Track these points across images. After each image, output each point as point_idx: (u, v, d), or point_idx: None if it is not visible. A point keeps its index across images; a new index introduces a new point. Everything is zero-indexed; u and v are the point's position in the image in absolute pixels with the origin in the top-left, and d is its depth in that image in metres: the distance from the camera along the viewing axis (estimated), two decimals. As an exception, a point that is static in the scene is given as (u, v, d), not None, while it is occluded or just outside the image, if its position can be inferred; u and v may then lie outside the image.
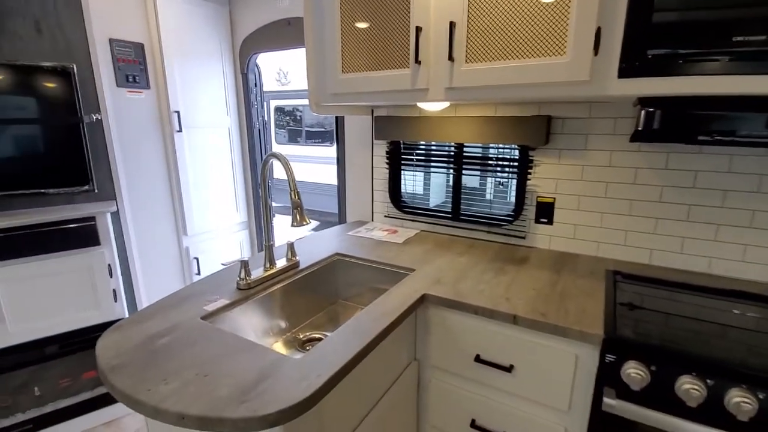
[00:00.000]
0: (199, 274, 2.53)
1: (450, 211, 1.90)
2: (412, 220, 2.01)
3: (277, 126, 6.90)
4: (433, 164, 1.93)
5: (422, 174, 2.15)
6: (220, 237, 2.64)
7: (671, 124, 1.10)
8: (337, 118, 2.14)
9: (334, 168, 2.25)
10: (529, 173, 1.65)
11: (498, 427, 1.26)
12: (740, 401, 0.86)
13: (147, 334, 1.01)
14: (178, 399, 0.77)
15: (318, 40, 1.55)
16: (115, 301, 2.03)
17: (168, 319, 1.08)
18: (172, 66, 2.20)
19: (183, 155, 2.33)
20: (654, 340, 0.99)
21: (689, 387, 0.90)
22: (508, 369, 1.17)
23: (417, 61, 1.32)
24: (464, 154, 1.81)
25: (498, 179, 2.05)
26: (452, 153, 1.84)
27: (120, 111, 2.08)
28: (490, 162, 1.78)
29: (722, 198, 1.34)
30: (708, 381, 0.90)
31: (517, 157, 1.68)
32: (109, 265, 1.99)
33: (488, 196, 2.02)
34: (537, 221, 1.67)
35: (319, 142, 6.56)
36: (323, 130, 6.50)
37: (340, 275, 1.63)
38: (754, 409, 0.85)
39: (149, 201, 2.27)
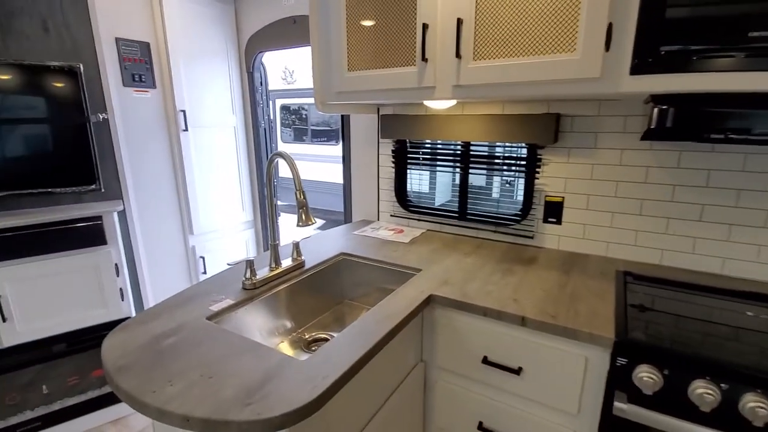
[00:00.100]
0: (205, 273, 2.54)
1: (457, 210, 1.88)
2: (419, 220, 2.00)
3: (282, 125, 6.91)
4: (439, 163, 1.91)
5: (428, 173, 2.13)
6: (225, 236, 2.65)
7: (684, 122, 1.08)
8: (342, 116, 2.13)
9: (340, 167, 2.24)
10: (538, 172, 1.63)
11: (505, 430, 1.24)
12: (755, 406, 0.84)
13: (153, 334, 1.00)
14: (183, 401, 0.76)
15: (324, 38, 1.54)
16: (122, 299, 2.04)
17: (174, 319, 1.08)
18: (178, 65, 2.20)
19: (189, 154, 2.33)
20: (666, 343, 0.97)
21: (703, 391, 0.88)
22: (517, 371, 1.16)
23: (424, 59, 1.30)
24: (471, 152, 1.80)
25: (505, 178, 2.03)
26: (459, 152, 1.82)
27: (126, 110, 2.09)
28: (497, 161, 1.76)
29: (736, 198, 1.31)
30: (722, 385, 0.88)
31: (525, 156, 1.66)
32: (115, 264, 2.00)
33: (495, 195, 1.99)
34: (545, 221, 1.65)
35: (324, 141, 6.57)
36: (329, 128, 6.50)
37: (346, 275, 1.62)
38: (770, 415, 0.83)
39: (155, 200, 2.28)
